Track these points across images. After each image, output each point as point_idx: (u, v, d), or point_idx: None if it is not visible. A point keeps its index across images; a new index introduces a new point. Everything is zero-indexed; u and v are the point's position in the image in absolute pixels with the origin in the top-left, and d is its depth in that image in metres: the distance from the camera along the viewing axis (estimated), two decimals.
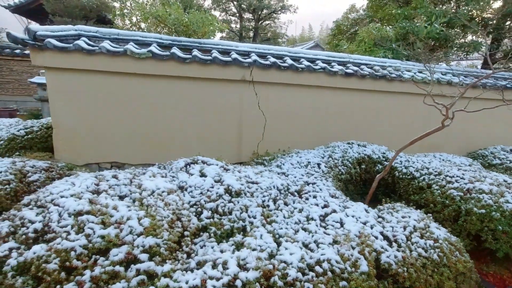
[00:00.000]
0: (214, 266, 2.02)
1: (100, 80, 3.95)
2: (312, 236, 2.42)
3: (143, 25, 5.02)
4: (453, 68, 5.88)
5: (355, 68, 4.84)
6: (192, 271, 2.04)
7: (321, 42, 22.71)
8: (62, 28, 3.77)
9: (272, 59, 4.39)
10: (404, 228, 2.64)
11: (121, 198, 2.46)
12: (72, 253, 1.87)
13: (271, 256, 2.17)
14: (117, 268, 1.84)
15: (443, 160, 4.63)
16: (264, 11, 18.60)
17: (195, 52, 4.09)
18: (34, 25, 3.56)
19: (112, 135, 4.16)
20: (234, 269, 1.98)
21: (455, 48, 6.43)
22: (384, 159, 4.34)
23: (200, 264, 2.10)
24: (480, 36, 6.35)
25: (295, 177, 3.36)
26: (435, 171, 3.71)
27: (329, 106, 5.00)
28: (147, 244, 2.00)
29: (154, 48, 3.92)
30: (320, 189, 3.15)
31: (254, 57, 4.32)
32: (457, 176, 3.51)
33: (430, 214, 2.95)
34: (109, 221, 2.08)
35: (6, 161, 3.39)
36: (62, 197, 2.32)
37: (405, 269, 2.26)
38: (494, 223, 2.85)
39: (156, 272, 1.90)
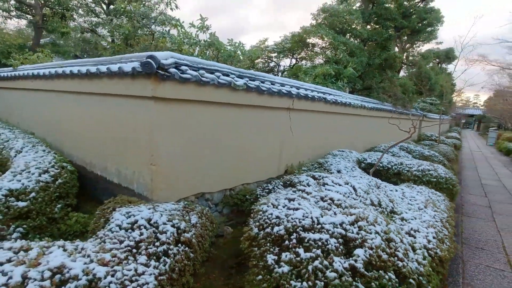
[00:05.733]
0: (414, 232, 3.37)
1: (197, 110, 3.86)
2: (417, 205, 4.16)
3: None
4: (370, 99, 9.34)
5: (336, 98, 6.92)
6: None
7: None
8: (165, 55, 3.46)
9: (304, 91, 5.68)
10: (432, 193, 4.88)
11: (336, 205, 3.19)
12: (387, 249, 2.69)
13: (419, 218, 3.73)
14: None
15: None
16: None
17: (266, 84, 4.75)
18: (157, 53, 3.11)
19: (200, 166, 4.07)
20: (424, 231, 3.42)
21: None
22: (363, 159, 6.65)
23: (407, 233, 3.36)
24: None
25: (361, 177, 4.93)
26: (398, 163, 6.35)
27: (324, 125, 6.81)
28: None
29: (245, 80, 4.29)
30: (381, 182, 4.90)
31: (294, 89, 5.45)
32: (410, 164, 6.26)
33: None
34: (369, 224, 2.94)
35: (147, 209, 2.90)
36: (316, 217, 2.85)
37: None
38: (441, 184, 5.66)
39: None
